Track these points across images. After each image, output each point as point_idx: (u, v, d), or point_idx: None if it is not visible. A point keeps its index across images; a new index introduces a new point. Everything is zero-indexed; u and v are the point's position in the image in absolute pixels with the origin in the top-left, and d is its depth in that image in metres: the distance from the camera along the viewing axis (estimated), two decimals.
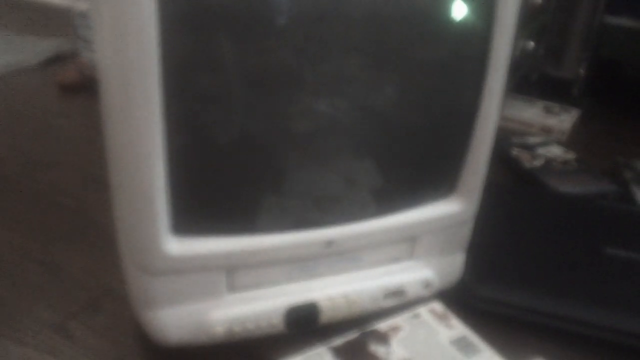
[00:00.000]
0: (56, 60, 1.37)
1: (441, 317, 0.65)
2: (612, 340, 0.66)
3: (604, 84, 1.35)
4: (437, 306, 0.67)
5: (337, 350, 0.60)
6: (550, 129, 1.19)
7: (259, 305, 0.60)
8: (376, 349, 0.60)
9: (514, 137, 1.13)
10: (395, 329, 0.63)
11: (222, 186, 0.54)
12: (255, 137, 0.53)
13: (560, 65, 1.34)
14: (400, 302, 0.66)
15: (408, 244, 0.66)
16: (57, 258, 0.75)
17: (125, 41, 0.45)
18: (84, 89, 1.21)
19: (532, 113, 1.23)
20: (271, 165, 0.55)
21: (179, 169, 0.52)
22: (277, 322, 0.60)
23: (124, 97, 0.48)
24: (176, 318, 0.58)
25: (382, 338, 0.61)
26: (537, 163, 1.03)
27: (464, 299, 0.70)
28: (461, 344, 0.61)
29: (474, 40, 0.57)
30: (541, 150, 1.08)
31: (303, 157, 0.55)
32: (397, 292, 0.65)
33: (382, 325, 0.63)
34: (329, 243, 0.60)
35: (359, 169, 0.58)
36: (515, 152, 1.07)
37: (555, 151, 1.08)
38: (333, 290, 0.62)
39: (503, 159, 1.06)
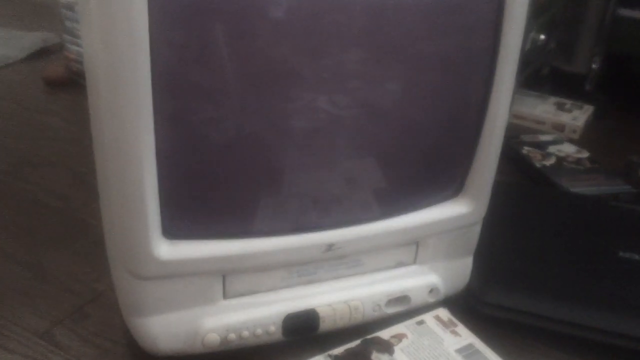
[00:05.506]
0: (42, 54, 1.36)
1: (447, 325, 0.64)
2: (625, 347, 0.64)
3: (617, 79, 1.33)
4: (443, 313, 0.66)
5: (337, 359, 0.59)
6: (562, 127, 1.17)
7: (255, 312, 0.58)
8: (378, 357, 0.59)
9: (524, 134, 1.12)
10: (399, 336, 0.62)
11: (216, 186, 0.53)
12: (251, 135, 0.51)
13: (572, 60, 1.33)
14: (404, 309, 0.65)
15: (412, 247, 0.64)
16: (43, 262, 0.73)
17: (114, 35, 0.44)
18: (70, 84, 1.19)
19: (543, 110, 1.22)
20: (267, 164, 0.54)
21: (171, 169, 0.50)
22: (274, 330, 0.59)
23: (113, 93, 0.46)
24: (168, 325, 0.56)
25: (385, 346, 0.60)
26: (548, 162, 1.02)
27: (471, 306, 0.68)
28: (467, 352, 0.61)
29: (483, 33, 0.56)
30: (552, 149, 1.06)
31: (301, 156, 0.54)
32: (401, 299, 0.64)
33: (384, 333, 0.62)
34: (329, 246, 0.58)
35: (360, 168, 0.57)
36: (525, 150, 1.05)
37: (567, 149, 1.07)
38: (333, 296, 0.61)
39: (513, 158, 1.05)
